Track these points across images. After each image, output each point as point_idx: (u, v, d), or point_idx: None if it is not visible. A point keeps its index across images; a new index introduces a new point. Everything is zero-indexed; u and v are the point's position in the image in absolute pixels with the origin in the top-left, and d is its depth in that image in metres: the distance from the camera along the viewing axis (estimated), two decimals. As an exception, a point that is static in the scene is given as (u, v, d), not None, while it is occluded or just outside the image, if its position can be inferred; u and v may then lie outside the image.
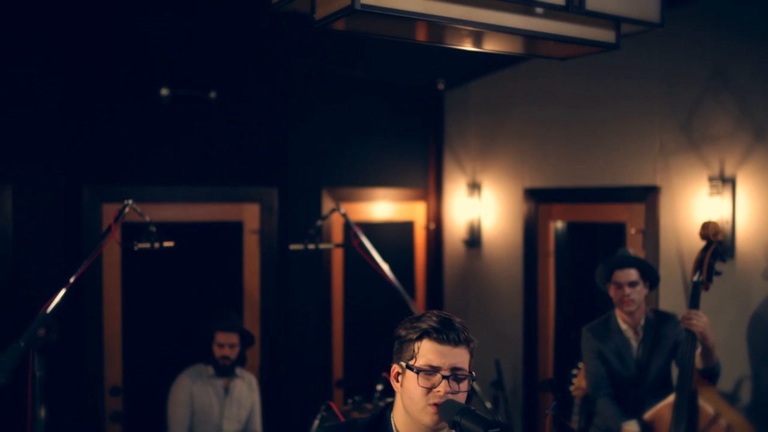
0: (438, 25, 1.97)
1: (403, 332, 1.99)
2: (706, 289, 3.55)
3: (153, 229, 3.27)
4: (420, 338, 1.94)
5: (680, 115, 4.33)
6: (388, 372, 3.71)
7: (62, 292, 2.89)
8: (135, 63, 4.51)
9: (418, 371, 1.91)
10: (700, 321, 3.39)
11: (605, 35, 2.17)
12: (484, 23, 1.96)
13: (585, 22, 2.12)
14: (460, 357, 1.93)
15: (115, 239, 3.08)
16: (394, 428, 1.99)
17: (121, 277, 4.53)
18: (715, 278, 3.58)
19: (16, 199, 4.17)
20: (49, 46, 4.26)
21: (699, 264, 3.55)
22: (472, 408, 1.80)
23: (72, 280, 2.92)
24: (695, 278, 3.54)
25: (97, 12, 4.17)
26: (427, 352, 1.92)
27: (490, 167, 5.52)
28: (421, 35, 2.13)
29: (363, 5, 1.78)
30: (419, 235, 5.80)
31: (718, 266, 3.60)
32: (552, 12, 2.03)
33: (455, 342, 1.92)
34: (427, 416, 1.90)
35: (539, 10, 1.99)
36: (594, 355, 3.85)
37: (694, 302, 3.49)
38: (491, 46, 2.24)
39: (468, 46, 2.22)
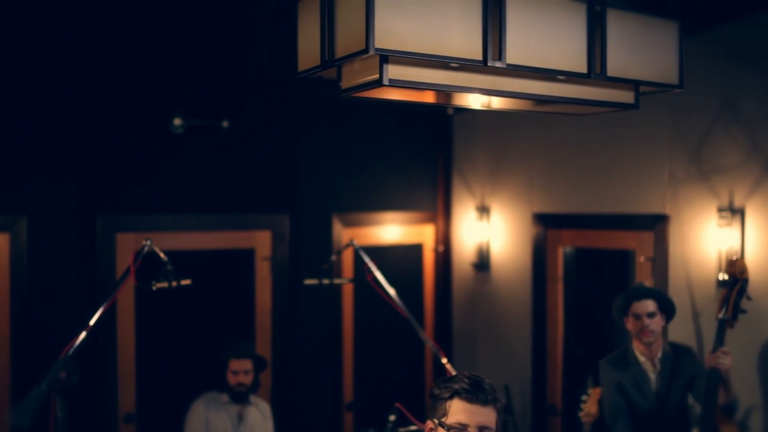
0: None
1: (437, 391, 2.13)
2: (731, 326, 3.55)
3: (170, 267, 3.30)
4: (451, 397, 2.10)
5: (690, 145, 4.36)
6: (403, 404, 3.75)
7: (83, 335, 2.93)
8: (148, 93, 4.55)
9: (449, 429, 2.07)
10: (727, 359, 3.43)
11: (625, 96, 2.21)
12: (507, 91, 2.00)
13: (605, 86, 2.15)
14: (487, 416, 2.08)
15: (134, 281, 3.11)
16: None
17: (135, 304, 4.57)
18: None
19: (31, 229, 4.21)
20: (63, 77, 4.30)
21: (725, 301, 3.54)
22: None
23: (92, 323, 2.96)
24: (721, 315, 3.54)
25: (111, 44, 4.20)
26: (457, 411, 2.08)
27: (499, 191, 5.56)
28: (438, 100, 2.16)
29: (391, 80, 1.82)
30: (428, 257, 5.83)
31: (744, 304, 3.60)
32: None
33: (483, 402, 2.08)
34: None
35: (561, 77, 2.03)
36: (614, 388, 3.87)
37: (719, 340, 3.50)
38: (509, 106, 2.28)
39: (485, 107, 2.26)
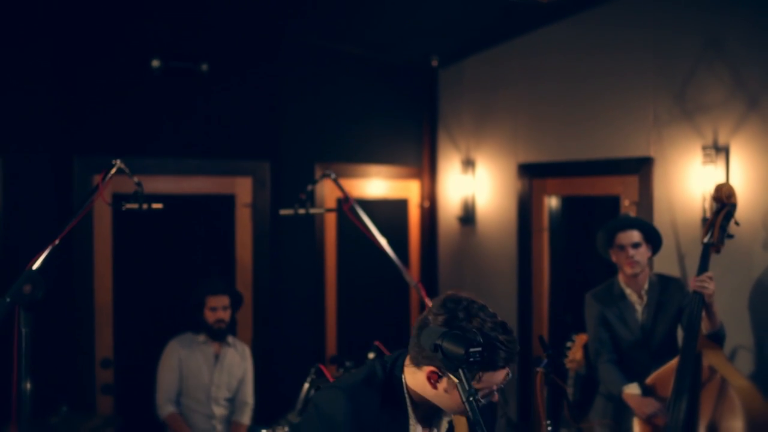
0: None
1: (461, 349, 1.67)
2: (717, 251, 3.47)
3: (140, 190, 3.24)
4: (492, 367, 1.77)
5: (674, 86, 4.31)
6: (380, 342, 3.66)
7: (48, 249, 2.87)
8: (126, 33, 4.49)
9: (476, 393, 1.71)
10: (711, 284, 3.34)
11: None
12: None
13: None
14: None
15: (103, 198, 3.05)
16: (407, 396, 1.88)
17: (113, 250, 4.51)
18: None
19: (7, 170, 4.15)
20: (39, 17, 4.24)
21: (711, 226, 3.46)
22: (453, 330, 1.75)
23: (57, 240, 2.90)
24: (706, 240, 3.46)
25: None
26: (494, 378, 1.80)
27: (484, 144, 5.50)
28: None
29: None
30: (413, 213, 5.78)
31: (731, 229, 3.51)
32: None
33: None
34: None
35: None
36: (597, 321, 3.81)
37: (704, 264, 3.42)
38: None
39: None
